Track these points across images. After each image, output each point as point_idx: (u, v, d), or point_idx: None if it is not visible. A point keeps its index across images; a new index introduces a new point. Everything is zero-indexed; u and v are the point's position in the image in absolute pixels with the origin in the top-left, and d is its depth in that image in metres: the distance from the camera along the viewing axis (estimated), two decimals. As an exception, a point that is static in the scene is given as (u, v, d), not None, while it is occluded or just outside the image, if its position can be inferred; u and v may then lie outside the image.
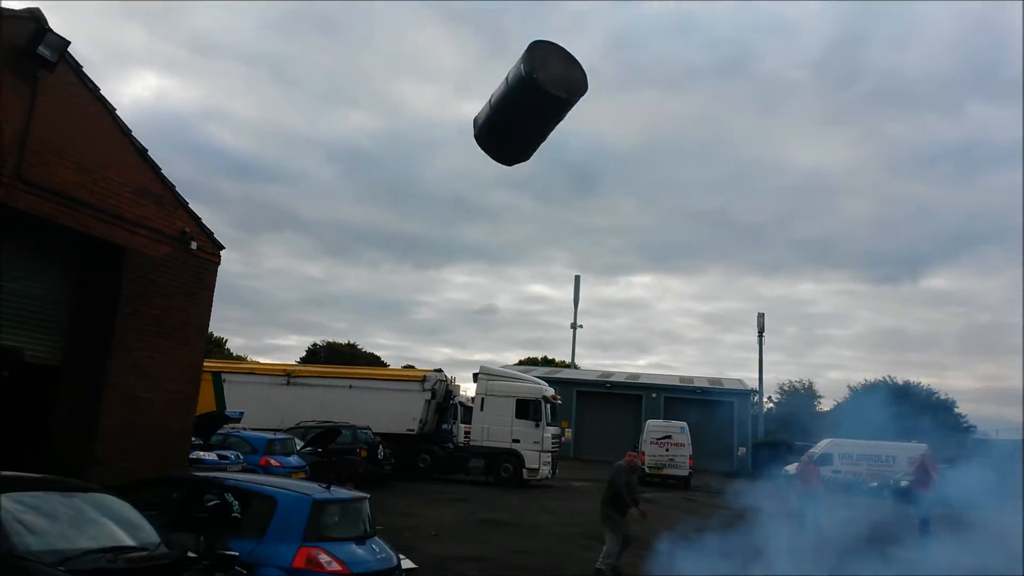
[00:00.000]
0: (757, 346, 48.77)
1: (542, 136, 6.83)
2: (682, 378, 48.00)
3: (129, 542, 6.61)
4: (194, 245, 11.90)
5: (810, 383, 59.42)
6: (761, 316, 49.77)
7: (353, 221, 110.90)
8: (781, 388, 60.57)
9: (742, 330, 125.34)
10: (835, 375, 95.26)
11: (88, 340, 10.82)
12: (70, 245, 10.81)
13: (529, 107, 6.40)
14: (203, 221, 12.36)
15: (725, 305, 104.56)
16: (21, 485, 6.72)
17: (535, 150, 6.96)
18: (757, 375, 48.52)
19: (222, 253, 12.86)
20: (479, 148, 7.06)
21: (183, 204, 11.89)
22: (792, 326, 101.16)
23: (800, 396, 57.56)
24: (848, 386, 52.33)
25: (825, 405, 56.33)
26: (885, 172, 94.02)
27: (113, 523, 6.95)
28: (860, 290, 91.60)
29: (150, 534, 6.98)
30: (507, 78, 6.45)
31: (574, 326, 57.09)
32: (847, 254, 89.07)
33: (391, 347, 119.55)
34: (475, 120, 7.02)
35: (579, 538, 12.98)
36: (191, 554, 6.86)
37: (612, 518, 11.51)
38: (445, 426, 28.09)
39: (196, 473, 10.02)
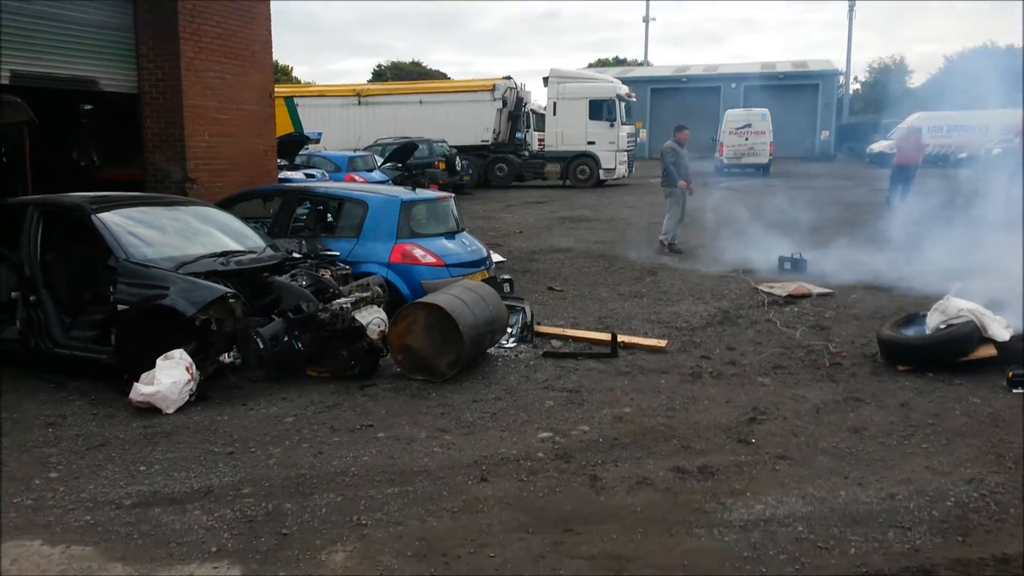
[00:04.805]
0: (847, 23, 45.21)
1: None
2: (764, 64, 45.34)
3: (237, 247, 7.06)
4: (239, -47, 11.30)
5: (901, 58, 55.63)
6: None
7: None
8: (870, 67, 57.07)
9: (829, 7, 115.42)
10: (928, 47, 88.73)
11: (158, 65, 10.83)
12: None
13: None
14: (244, -74, 11.62)
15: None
16: (125, 203, 7.10)
17: None
18: (845, 56, 45.53)
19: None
20: None
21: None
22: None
23: (890, 73, 54.23)
24: (944, 56, 48.71)
25: (916, 80, 53.17)
26: None
27: (219, 232, 7.39)
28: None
29: (255, 239, 7.42)
30: None
31: (646, 19, 53.74)
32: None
33: (456, 63, 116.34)
34: None
35: (658, 226, 13.27)
36: (296, 255, 7.32)
37: (669, 194, 12.21)
38: (519, 134, 27.99)
39: (288, 185, 10.39)
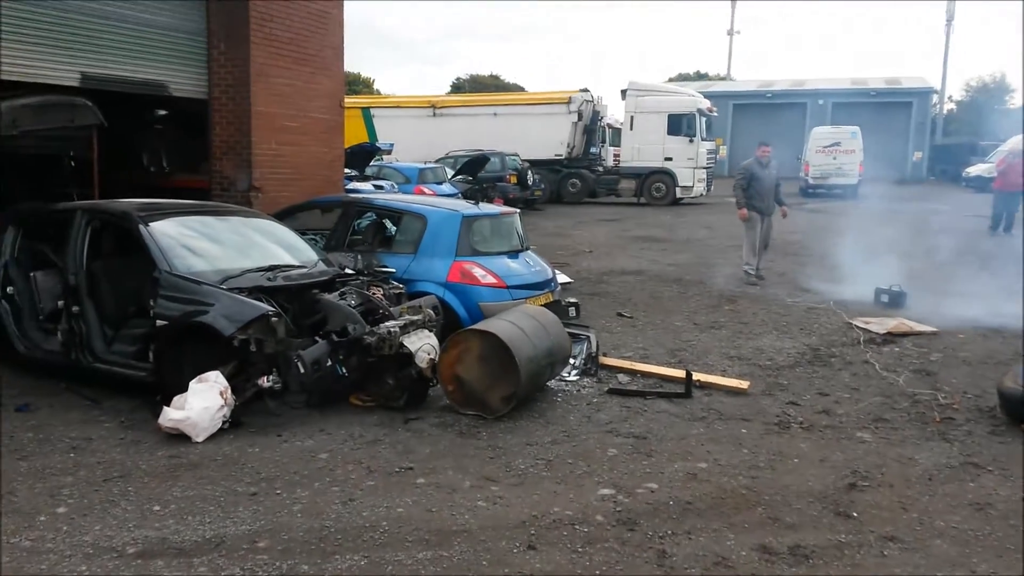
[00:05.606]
0: (944, 37, 43.03)
1: None
2: (854, 80, 43.50)
3: (288, 261, 6.67)
4: (312, -45, 11.09)
5: (1002, 76, 52.55)
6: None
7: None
8: (967, 85, 54.18)
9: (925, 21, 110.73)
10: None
11: (228, 70, 10.67)
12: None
13: None
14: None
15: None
16: (176, 211, 6.79)
17: None
18: (940, 72, 43.26)
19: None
20: None
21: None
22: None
23: (989, 92, 51.34)
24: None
25: (1018, 101, 50.22)
26: None
27: (272, 244, 7.02)
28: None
29: (307, 253, 7.03)
30: None
31: (730, 32, 52.50)
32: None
33: (533, 75, 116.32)
34: None
35: (737, 249, 12.45)
36: (349, 271, 6.88)
37: (746, 219, 11.04)
38: (594, 149, 27.35)
39: (346, 196, 10.05)
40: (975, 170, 31.21)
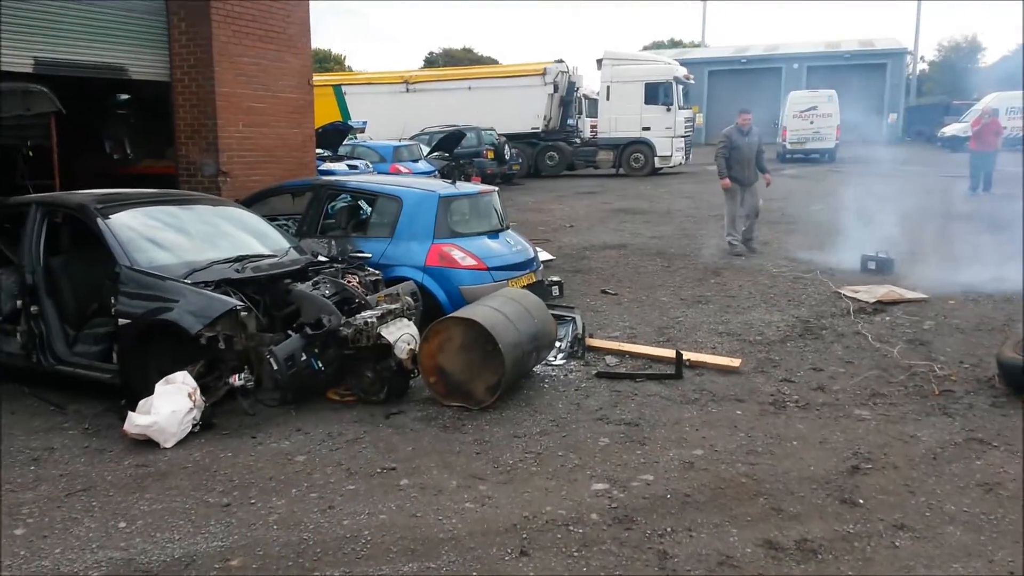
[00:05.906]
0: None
1: None
2: (827, 43, 43.35)
3: (257, 250, 6.36)
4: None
5: (973, 36, 52.59)
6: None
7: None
8: (939, 45, 54.14)
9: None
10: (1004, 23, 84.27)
11: (189, 50, 10.24)
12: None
13: None
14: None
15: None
16: (135, 202, 6.44)
17: None
18: (913, 33, 43.12)
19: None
20: None
21: None
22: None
23: (961, 52, 51.36)
24: (1024, 33, 45.71)
25: (989, 59, 50.29)
26: None
27: (240, 232, 6.71)
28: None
29: (278, 241, 6.73)
30: None
31: (702, -1, 51.97)
32: None
33: (506, 49, 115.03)
34: None
35: (720, 219, 12.22)
36: (322, 258, 6.60)
37: (728, 188, 10.75)
38: (570, 121, 27.00)
39: (317, 179, 9.71)
40: (950, 130, 31.24)
